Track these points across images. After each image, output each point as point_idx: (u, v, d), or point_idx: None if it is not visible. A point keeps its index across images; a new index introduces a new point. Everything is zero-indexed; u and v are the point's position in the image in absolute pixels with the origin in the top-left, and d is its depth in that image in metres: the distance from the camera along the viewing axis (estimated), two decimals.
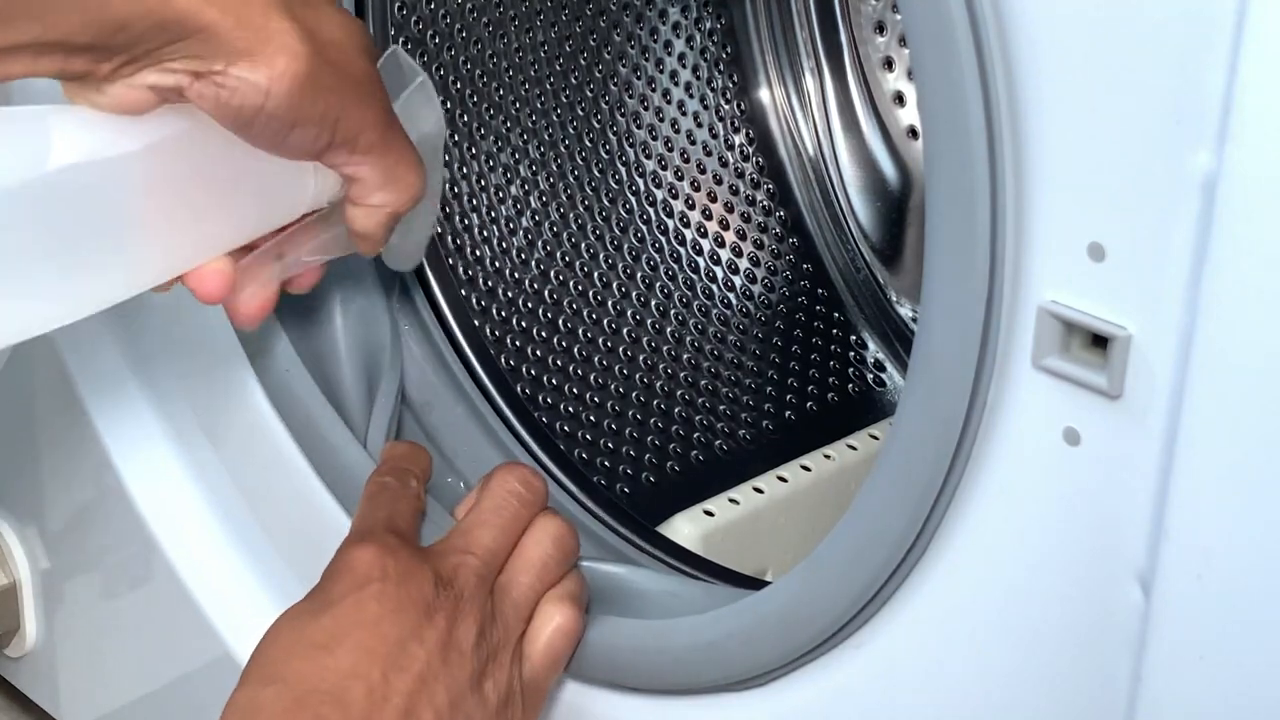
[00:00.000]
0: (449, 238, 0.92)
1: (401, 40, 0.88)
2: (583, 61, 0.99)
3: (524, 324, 0.94)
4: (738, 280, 1.04)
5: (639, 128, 1.02)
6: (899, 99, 1.02)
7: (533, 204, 0.97)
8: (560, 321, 0.96)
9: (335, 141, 0.65)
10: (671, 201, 1.03)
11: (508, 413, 0.90)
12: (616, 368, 0.97)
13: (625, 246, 1.00)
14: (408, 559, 0.69)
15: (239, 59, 0.61)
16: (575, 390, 0.95)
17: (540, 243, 0.96)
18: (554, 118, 0.98)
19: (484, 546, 0.71)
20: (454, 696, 0.67)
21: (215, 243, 0.67)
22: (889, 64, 1.02)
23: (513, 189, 0.96)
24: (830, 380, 1.03)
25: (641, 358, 0.98)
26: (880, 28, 1.01)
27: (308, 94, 0.62)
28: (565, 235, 0.98)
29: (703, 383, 0.99)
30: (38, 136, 0.62)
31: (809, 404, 1.02)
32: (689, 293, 1.02)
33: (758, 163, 1.06)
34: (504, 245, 0.95)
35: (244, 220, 0.68)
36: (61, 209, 0.61)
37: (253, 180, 0.67)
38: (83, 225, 0.62)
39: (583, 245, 0.98)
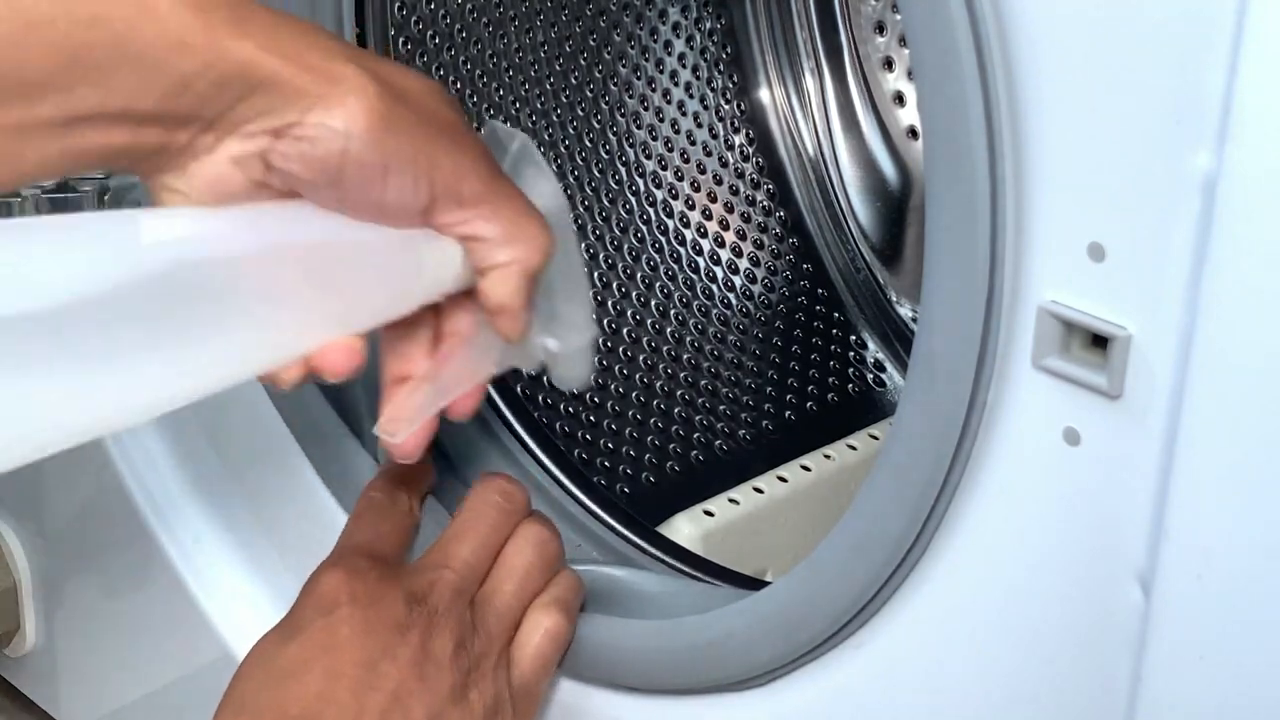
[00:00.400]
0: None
1: (401, 40, 0.88)
2: (583, 62, 0.99)
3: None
4: (738, 280, 1.04)
5: (639, 128, 1.02)
6: (899, 99, 1.02)
7: None
8: None
9: (438, 193, 0.62)
10: (671, 201, 1.03)
11: (507, 413, 0.90)
12: (616, 368, 0.97)
13: (625, 246, 1.00)
14: (376, 581, 0.69)
15: (312, 106, 0.59)
16: (575, 390, 0.95)
17: None
18: (554, 118, 0.98)
19: (461, 560, 0.71)
20: (433, 710, 0.67)
21: (331, 327, 0.64)
22: (889, 64, 1.02)
23: None
24: (830, 380, 1.03)
25: (641, 358, 0.98)
26: (880, 28, 1.01)
27: (390, 133, 0.60)
28: None
29: (703, 383, 0.99)
30: (128, 234, 0.58)
31: (809, 404, 1.02)
32: (689, 293, 1.02)
33: (758, 163, 1.06)
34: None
35: (358, 303, 0.65)
36: (157, 305, 0.58)
37: (363, 258, 0.64)
38: (181, 319, 0.59)
39: (583, 245, 0.98)
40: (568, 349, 0.70)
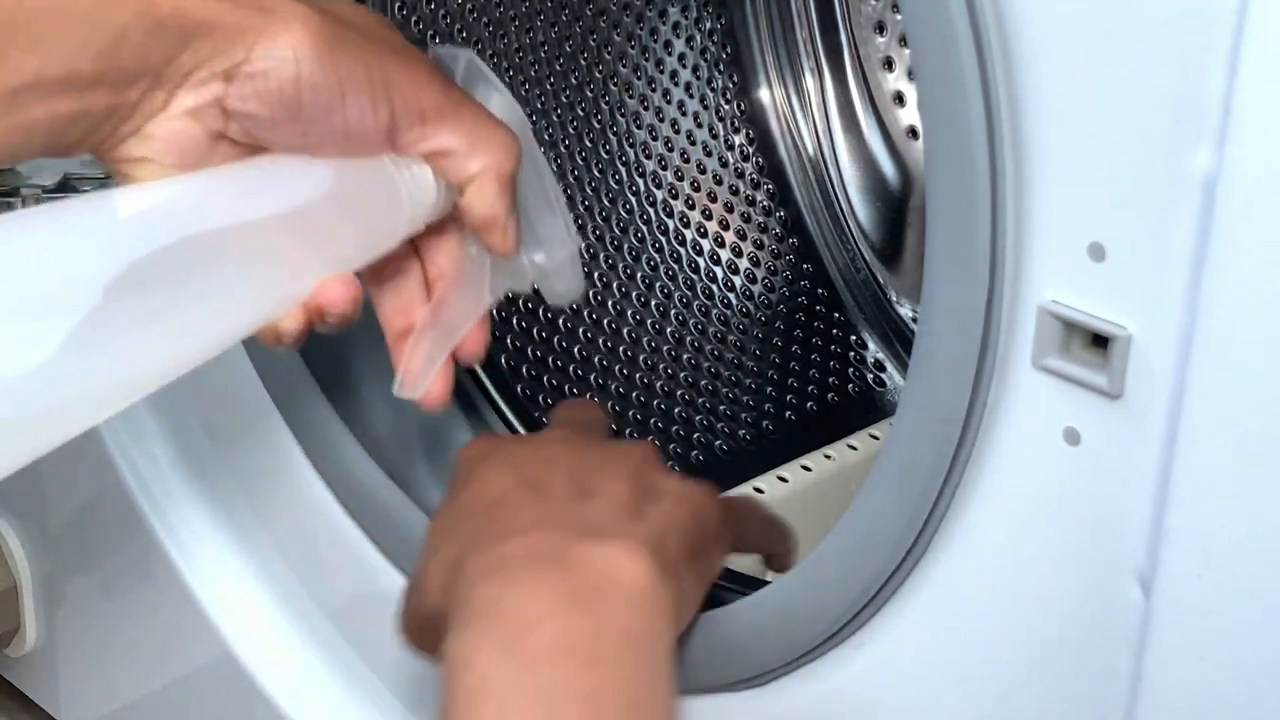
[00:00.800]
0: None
1: None
2: (583, 62, 0.99)
3: (524, 324, 0.94)
4: (738, 280, 1.04)
5: (639, 128, 1.02)
6: (899, 99, 1.02)
7: None
8: (560, 321, 0.96)
9: (397, 111, 0.62)
10: (671, 201, 1.03)
11: (507, 413, 0.90)
12: (616, 368, 0.97)
13: (625, 246, 1.00)
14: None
15: (255, 41, 0.58)
16: (575, 390, 0.95)
17: None
18: (554, 117, 0.98)
19: None
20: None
21: (321, 271, 0.63)
22: (889, 64, 1.02)
23: None
24: (830, 380, 1.03)
25: (641, 358, 0.98)
26: (880, 28, 1.01)
27: (340, 55, 0.60)
28: None
29: (703, 383, 0.99)
30: (105, 213, 0.58)
31: (809, 404, 1.02)
32: (689, 293, 1.02)
33: (758, 163, 1.06)
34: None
35: (343, 243, 0.64)
36: (143, 282, 0.57)
37: (339, 197, 0.63)
38: (169, 294, 0.58)
39: (582, 245, 0.98)
40: (554, 262, 0.69)
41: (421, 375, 0.68)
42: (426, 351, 0.68)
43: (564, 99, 0.99)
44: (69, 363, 0.55)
